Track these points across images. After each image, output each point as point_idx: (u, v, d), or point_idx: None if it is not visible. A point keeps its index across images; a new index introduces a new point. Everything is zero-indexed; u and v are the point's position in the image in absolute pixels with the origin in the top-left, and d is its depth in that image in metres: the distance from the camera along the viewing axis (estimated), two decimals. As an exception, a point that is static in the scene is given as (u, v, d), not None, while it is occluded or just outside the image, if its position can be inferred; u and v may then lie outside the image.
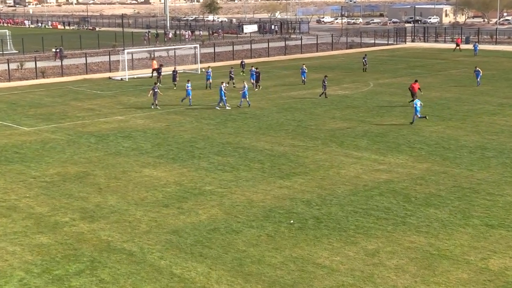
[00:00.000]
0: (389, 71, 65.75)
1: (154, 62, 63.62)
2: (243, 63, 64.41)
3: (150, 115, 42.86)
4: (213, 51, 79.81)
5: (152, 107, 44.84)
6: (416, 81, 45.46)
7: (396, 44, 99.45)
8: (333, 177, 28.00)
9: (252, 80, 52.98)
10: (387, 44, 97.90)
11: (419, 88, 45.00)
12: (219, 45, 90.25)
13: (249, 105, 44.92)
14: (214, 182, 27.46)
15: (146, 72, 65.28)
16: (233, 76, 54.49)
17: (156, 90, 44.58)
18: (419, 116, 38.55)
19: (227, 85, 44.90)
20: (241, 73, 61.28)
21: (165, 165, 30.28)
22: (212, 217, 23.06)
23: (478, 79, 53.89)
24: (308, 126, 38.77)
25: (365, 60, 65.31)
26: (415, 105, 38.50)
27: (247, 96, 44.86)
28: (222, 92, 43.96)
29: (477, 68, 54.94)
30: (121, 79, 61.70)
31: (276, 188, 26.50)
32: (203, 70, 66.81)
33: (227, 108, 44.28)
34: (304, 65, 57.23)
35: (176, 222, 22.68)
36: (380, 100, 47.62)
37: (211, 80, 53.61)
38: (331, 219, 22.73)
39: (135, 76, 63.04)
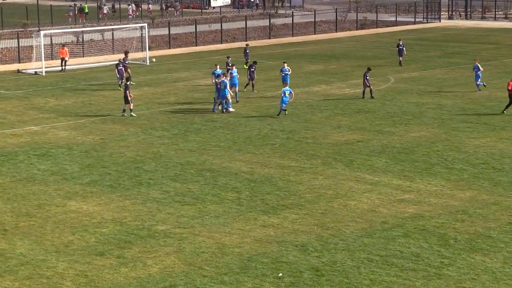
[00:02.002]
0: (417, 60, 66.21)
1: (65, 49, 63.51)
2: (247, 51, 61.41)
3: (78, 125, 42.75)
4: (167, 33, 79.88)
5: (132, 114, 44.20)
6: None
7: (427, 22, 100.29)
8: (338, 211, 28.09)
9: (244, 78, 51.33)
10: (414, 23, 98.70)
11: None
12: (176, 24, 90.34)
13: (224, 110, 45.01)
14: (169, 219, 27.42)
15: (74, 63, 65.12)
16: (230, 68, 51.94)
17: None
18: (283, 107, 43.62)
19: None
20: (244, 66, 57.92)
21: (100, 196, 30.19)
22: (167, 270, 23.01)
23: (478, 81, 50.48)
24: (303, 139, 38.90)
25: (400, 48, 62.03)
26: (282, 93, 43.50)
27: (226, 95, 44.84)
28: (227, 90, 44.47)
29: (476, 63, 51.01)
30: (36, 73, 61.52)
31: (258, 227, 26.52)
32: (153, 60, 66.88)
33: (231, 110, 45.20)
34: (285, 64, 51.74)
35: (116, 277, 22.59)
36: (404, 102, 47.92)
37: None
38: (335, 270, 22.78)
39: (59, 69, 62.86)
